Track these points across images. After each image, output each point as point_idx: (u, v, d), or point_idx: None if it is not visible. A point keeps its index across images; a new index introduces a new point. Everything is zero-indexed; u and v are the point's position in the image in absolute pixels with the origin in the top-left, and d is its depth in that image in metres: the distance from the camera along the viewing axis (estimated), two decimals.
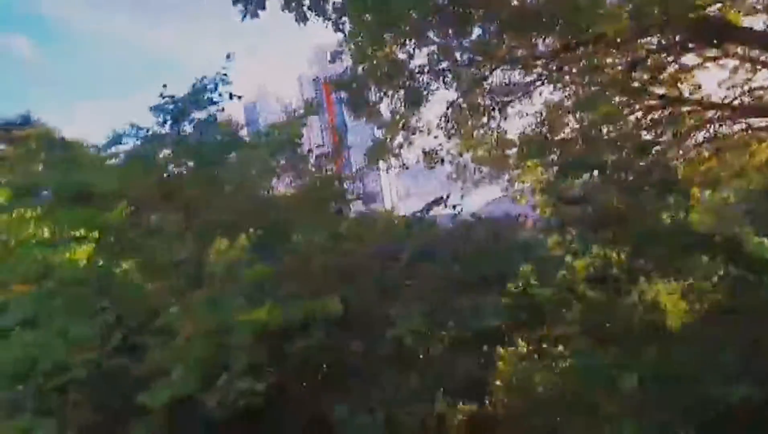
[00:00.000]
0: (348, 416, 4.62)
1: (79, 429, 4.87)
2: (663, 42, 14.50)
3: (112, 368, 5.04)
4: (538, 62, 17.49)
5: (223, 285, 5.16)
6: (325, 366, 4.93)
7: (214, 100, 8.50)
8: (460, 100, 17.56)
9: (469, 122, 18.36)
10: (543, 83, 18.19)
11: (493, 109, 18.41)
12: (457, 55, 15.14)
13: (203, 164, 7.19)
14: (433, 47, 14.97)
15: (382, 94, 14.52)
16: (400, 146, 16.92)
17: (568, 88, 18.63)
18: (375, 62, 13.29)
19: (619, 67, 16.54)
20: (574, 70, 15.66)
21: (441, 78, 15.64)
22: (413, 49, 13.79)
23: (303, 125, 9.91)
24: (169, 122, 8.15)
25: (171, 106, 8.20)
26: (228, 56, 8.86)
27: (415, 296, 4.99)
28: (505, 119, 18.02)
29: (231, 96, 8.88)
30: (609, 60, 15.93)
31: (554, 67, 17.10)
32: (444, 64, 15.36)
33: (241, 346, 4.70)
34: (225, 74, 8.72)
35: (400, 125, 15.72)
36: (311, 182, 8.94)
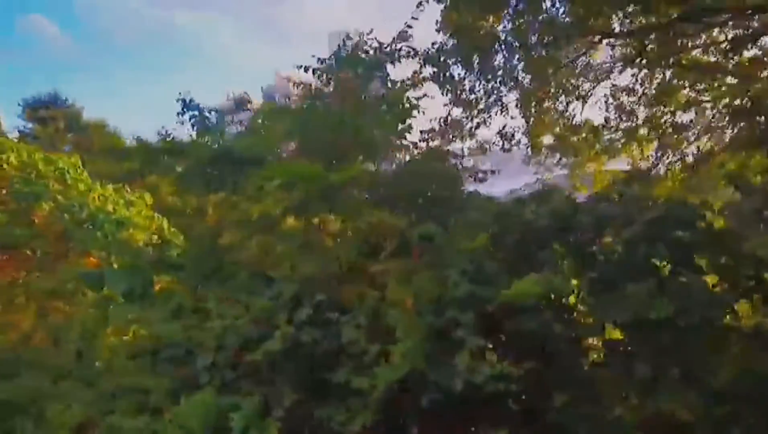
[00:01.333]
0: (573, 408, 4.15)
1: (280, 408, 4.47)
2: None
3: (304, 344, 4.61)
4: (618, 42, 16.75)
5: (441, 255, 4.69)
6: (546, 350, 4.44)
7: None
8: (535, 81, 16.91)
9: (545, 104, 17.77)
10: (625, 66, 17.44)
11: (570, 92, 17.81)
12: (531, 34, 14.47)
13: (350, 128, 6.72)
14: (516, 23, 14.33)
15: (472, 70, 13.91)
16: (477, 126, 16.30)
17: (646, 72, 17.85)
18: (470, 35, 12.67)
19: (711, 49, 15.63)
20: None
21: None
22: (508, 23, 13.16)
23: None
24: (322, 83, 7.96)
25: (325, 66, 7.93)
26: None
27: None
28: (583, 102, 17.35)
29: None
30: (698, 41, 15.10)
31: (635, 49, 16.35)
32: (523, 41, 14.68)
33: (467, 324, 4.24)
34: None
35: (482, 104, 15.11)
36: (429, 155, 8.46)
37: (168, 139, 7.42)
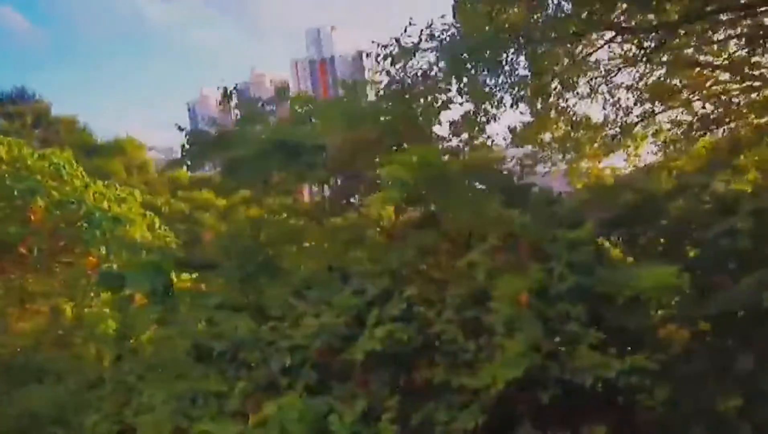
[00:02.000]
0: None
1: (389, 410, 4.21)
2: None
3: (399, 342, 4.36)
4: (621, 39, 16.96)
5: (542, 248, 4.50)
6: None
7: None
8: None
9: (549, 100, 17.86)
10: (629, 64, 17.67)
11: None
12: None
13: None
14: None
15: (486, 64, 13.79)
16: (487, 121, 16.24)
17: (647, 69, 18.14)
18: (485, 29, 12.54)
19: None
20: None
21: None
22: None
23: None
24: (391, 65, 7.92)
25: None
26: None
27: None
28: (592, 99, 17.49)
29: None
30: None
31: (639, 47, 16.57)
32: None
33: (579, 317, 4.07)
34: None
35: (495, 99, 15.04)
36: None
37: (216, 129, 7.02)
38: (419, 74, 8.89)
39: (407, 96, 8.05)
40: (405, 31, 8.86)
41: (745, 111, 15.68)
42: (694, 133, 18.37)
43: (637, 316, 4.21)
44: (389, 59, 8.47)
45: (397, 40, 8.70)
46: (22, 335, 9.15)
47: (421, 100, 8.87)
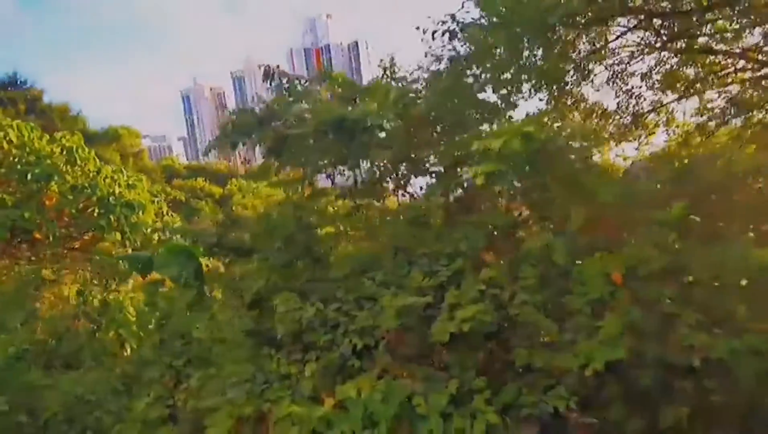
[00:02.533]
0: None
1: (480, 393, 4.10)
2: None
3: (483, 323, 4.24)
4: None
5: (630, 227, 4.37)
6: None
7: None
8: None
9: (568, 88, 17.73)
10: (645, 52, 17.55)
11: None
12: None
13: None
14: None
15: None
16: (509, 108, 16.08)
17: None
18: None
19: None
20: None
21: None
22: None
23: None
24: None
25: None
26: None
27: None
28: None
29: None
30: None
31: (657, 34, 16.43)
32: None
33: (674, 297, 3.95)
34: None
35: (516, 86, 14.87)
36: None
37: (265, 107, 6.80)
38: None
39: (465, 73, 7.83)
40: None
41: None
42: (710, 122, 18.21)
43: (737, 299, 4.07)
44: (446, 35, 8.22)
45: (453, 16, 8.49)
46: (49, 320, 8.94)
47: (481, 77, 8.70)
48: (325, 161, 6.34)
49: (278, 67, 7.20)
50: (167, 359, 6.55)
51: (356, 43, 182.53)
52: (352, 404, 4.03)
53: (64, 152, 14.26)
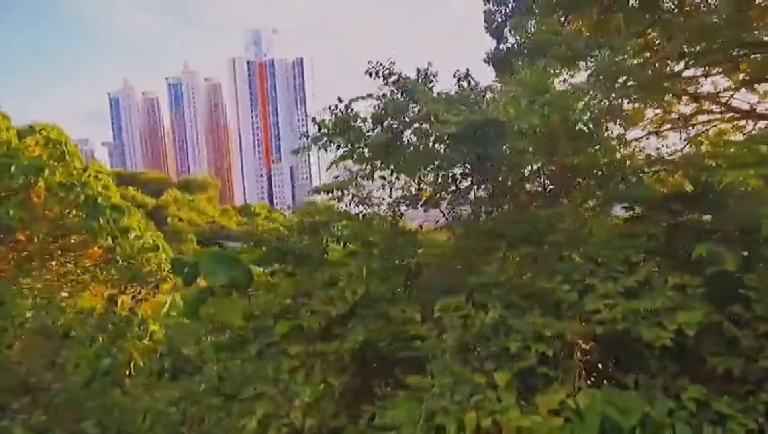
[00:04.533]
0: None
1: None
2: None
3: None
4: None
5: None
6: None
7: None
8: None
9: None
10: None
11: None
12: None
13: None
14: None
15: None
16: None
17: None
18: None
19: None
20: None
21: None
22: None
23: None
24: None
25: None
26: None
27: None
28: None
29: None
30: None
31: None
32: None
33: None
34: None
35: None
36: None
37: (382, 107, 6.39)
38: None
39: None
40: None
41: None
42: None
43: None
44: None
45: None
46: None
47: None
48: (454, 169, 6.10)
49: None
50: (269, 372, 5.94)
51: (301, 60, 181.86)
52: (589, 413, 3.80)
53: (50, 145, 12.73)
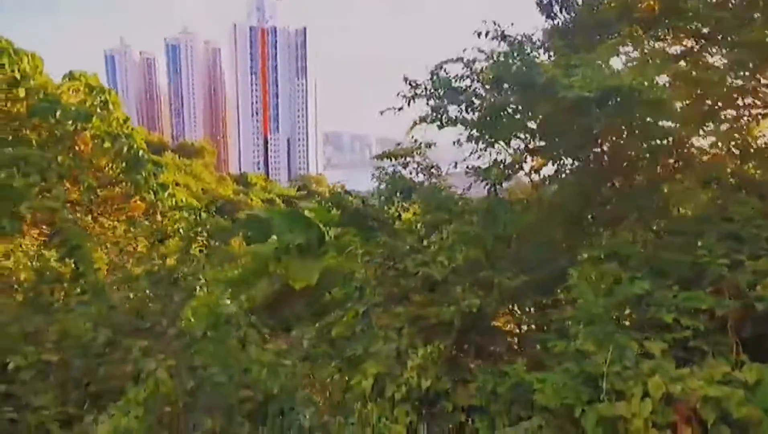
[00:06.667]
0: None
1: None
2: None
3: None
4: None
5: None
6: None
7: None
8: None
9: None
10: None
11: None
12: None
13: None
14: None
15: None
16: None
17: None
18: None
19: None
20: None
21: None
22: None
23: None
24: None
25: None
26: None
27: None
28: None
29: None
30: None
31: None
32: None
33: None
34: None
35: None
36: None
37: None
38: None
39: None
40: None
41: None
42: None
43: None
44: None
45: None
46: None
47: None
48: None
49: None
50: (377, 331, 5.84)
51: (305, 29, 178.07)
52: (758, 387, 3.76)
53: (94, 93, 12.27)
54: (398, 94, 7.13)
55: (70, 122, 10.98)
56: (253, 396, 4.67)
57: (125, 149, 12.30)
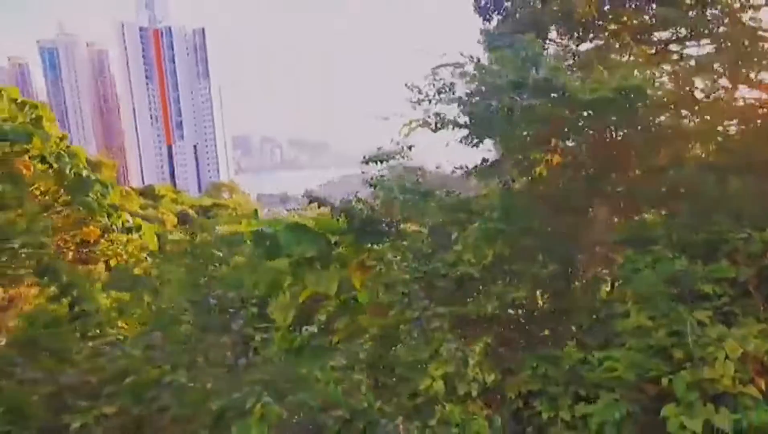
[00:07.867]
0: None
1: None
2: None
3: None
4: None
5: None
6: None
7: None
8: None
9: None
10: None
11: None
12: None
13: None
14: None
15: None
16: None
17: None
18: None
19: None
20: None
21: None
22: None
23: None
24: None
25: None
26: None
27: None
28: None
29: None
30: None
31: None
32: None
33: None
34: None
35: None
36: None
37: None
38: None
39: None
40: None
41: None
42: None
43: None
44: None
45: None
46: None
47: None
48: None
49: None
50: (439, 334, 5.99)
51: (203, 29, 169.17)
52: None
53: (27, 110, 10.86)
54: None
55: (8, 144, 9.68)
56: (341, 415, 4.61)
57: (68, 169, 11.12)
